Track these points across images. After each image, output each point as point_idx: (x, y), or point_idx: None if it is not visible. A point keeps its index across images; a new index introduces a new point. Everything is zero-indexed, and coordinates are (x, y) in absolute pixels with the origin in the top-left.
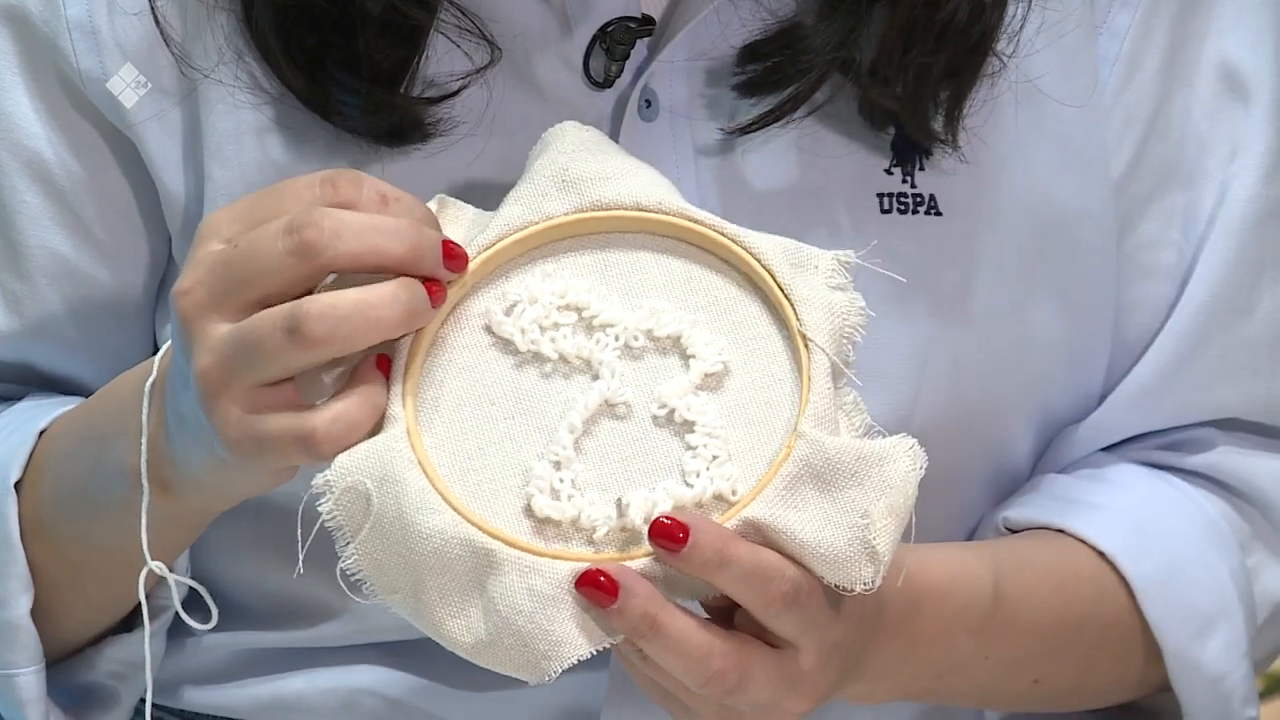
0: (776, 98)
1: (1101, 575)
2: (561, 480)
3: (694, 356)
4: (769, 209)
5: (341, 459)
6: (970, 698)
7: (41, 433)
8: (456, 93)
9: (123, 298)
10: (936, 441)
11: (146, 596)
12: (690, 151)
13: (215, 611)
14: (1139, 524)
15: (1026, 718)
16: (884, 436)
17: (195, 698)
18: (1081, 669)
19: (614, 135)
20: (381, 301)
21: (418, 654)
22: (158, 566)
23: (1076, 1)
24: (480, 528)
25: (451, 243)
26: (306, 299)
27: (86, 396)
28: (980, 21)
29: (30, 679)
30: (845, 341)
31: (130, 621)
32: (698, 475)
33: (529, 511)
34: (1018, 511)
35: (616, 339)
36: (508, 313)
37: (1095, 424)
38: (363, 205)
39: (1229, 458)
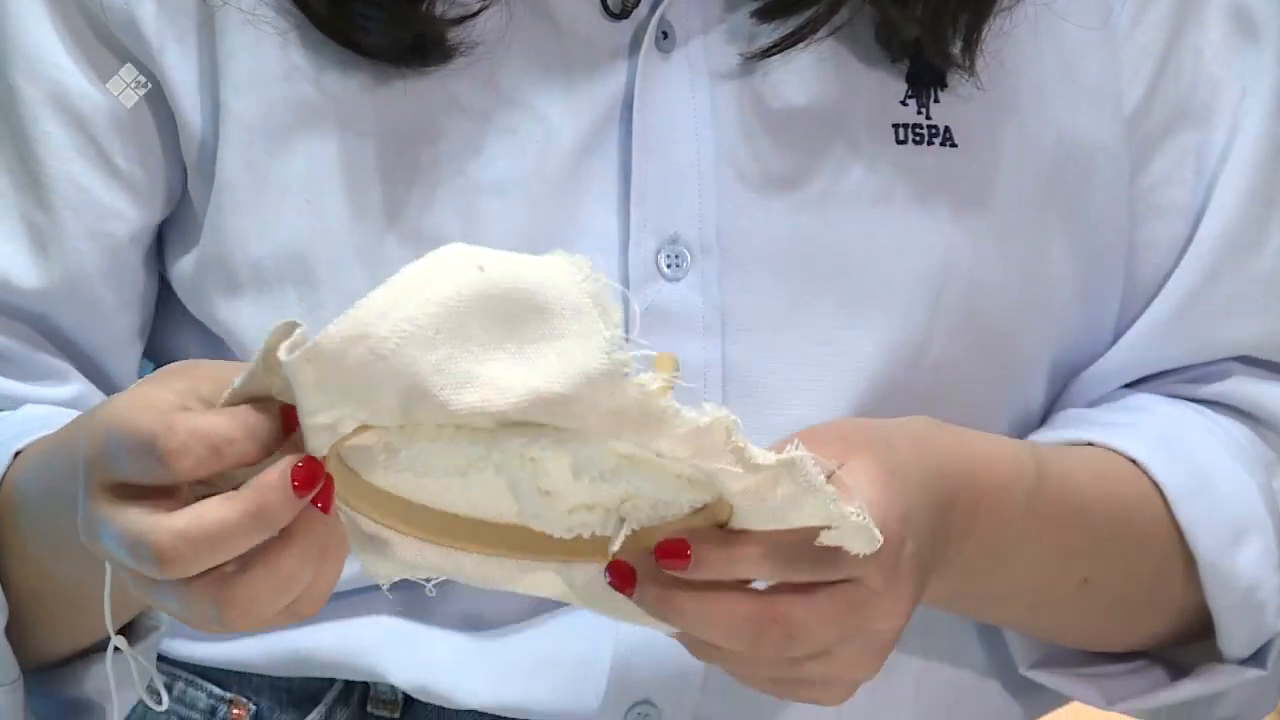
0: (798, 19)
1: (1136, 478)
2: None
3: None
4: (786, 133)
5: None
6: (1021, 605)
7: (17, 453)
8: (477, 13)
9: (145, 233)
10: (954, 370)
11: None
12: (707, 81)
13: (165, 698)
14: (1165, 438)
15: (1055, 665)
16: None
17: (202, 650)
18: (1126, 572)
19: (631, 68)
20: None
21: (423, 602)
22: (120, 641)
23: None
24: None
25: (298, 468)
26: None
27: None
28: None
29: (5, 696)
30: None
31: (123, 633)
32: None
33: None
34: (1042, 435)
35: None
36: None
37: (1110, 362)
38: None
39: (1247, 386)
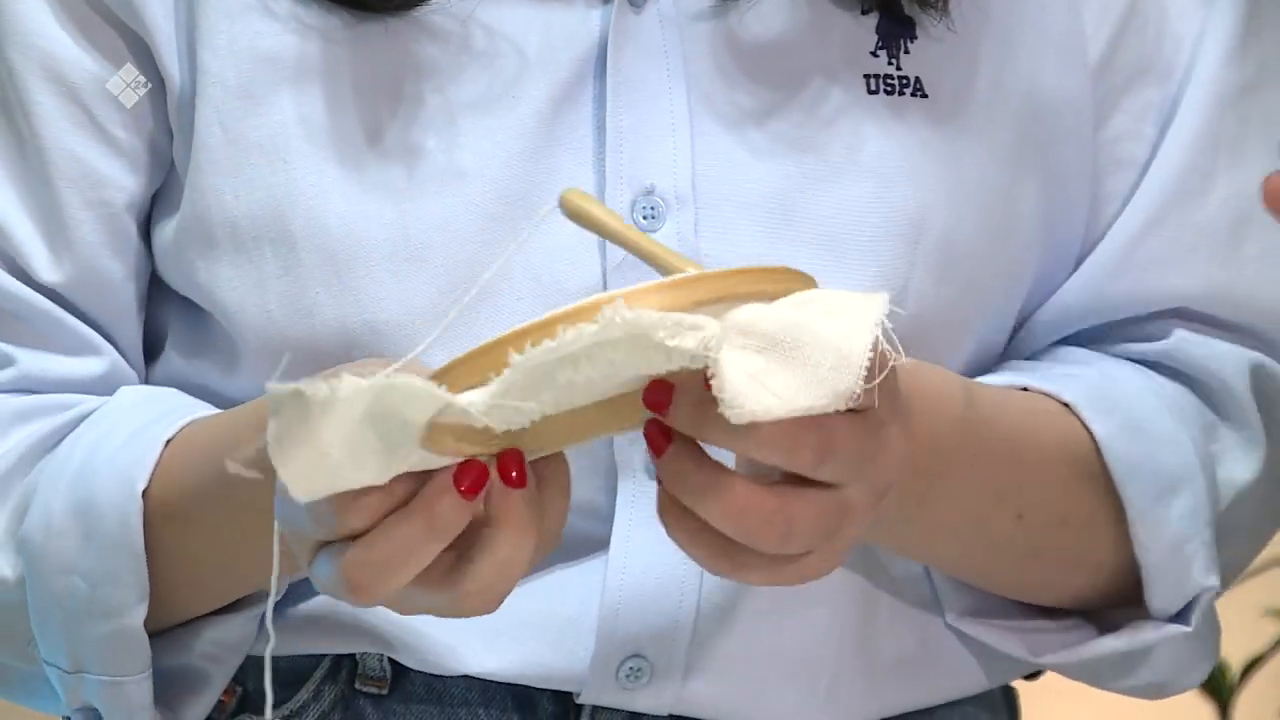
0: None
1: (1068, 421)
2: None
3: None
4: (760, 68)
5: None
6: (956, 541)
7: (168, 441)
8: None
9: (141, 202)
10: (931, 317)
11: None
12: (678, 32)
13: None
14: (1100, 388)
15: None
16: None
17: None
18: (1058, 515)
19: (605, 19)
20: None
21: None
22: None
23: None
24: None
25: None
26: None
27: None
28: None
29: (141, 685)
30: None
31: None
32: None
33: None
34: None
35: None
36: None
37: (1052, 309)
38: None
39: (1186, 345)
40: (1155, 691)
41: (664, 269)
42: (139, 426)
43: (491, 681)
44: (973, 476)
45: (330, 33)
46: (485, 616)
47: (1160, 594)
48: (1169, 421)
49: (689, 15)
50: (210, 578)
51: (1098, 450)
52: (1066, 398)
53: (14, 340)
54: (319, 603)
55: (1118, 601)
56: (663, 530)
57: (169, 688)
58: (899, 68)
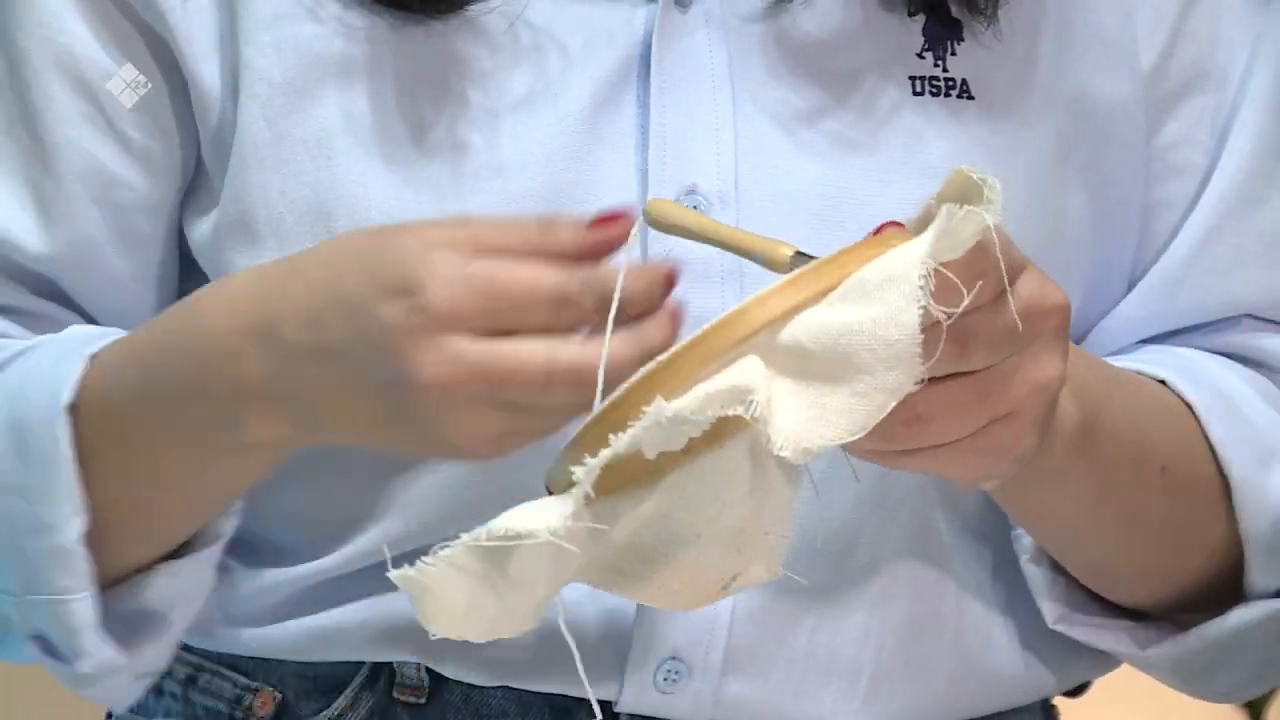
0: None
1: (1166, 393)
2: None
3: None
4: (810, 68)
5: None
6: (1108, 501)
7: (92, 356)
8: None
9: (156, 206)
10: None
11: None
12: (722, 32)
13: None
14: (1188, 368)
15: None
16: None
17: (233, 639)
18: (1192, 465)
19: (649, 19)
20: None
21: None
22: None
23: None
24: None
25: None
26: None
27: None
28: None
29: (84, 604)
30: None
31: (180, 549)
32: None
33: None
34: None
35: None
36: None
37: (1119, 317)
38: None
39: (1256, 339)
40: (1240, 691)
41: (759, 257)
42: (71, 348)
43: (528, 691)
44: (1119, 414)
45: (375, 32)
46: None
47: (1262, 568)
48: (1256, 399)
49: (740, 16)
50: (155, 498)
51: (1196, 421)
52: (1160, 375)
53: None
54: (358, 609)
55: (1212, 600)
56: None
57: (125, 630)
58: (945, 69)
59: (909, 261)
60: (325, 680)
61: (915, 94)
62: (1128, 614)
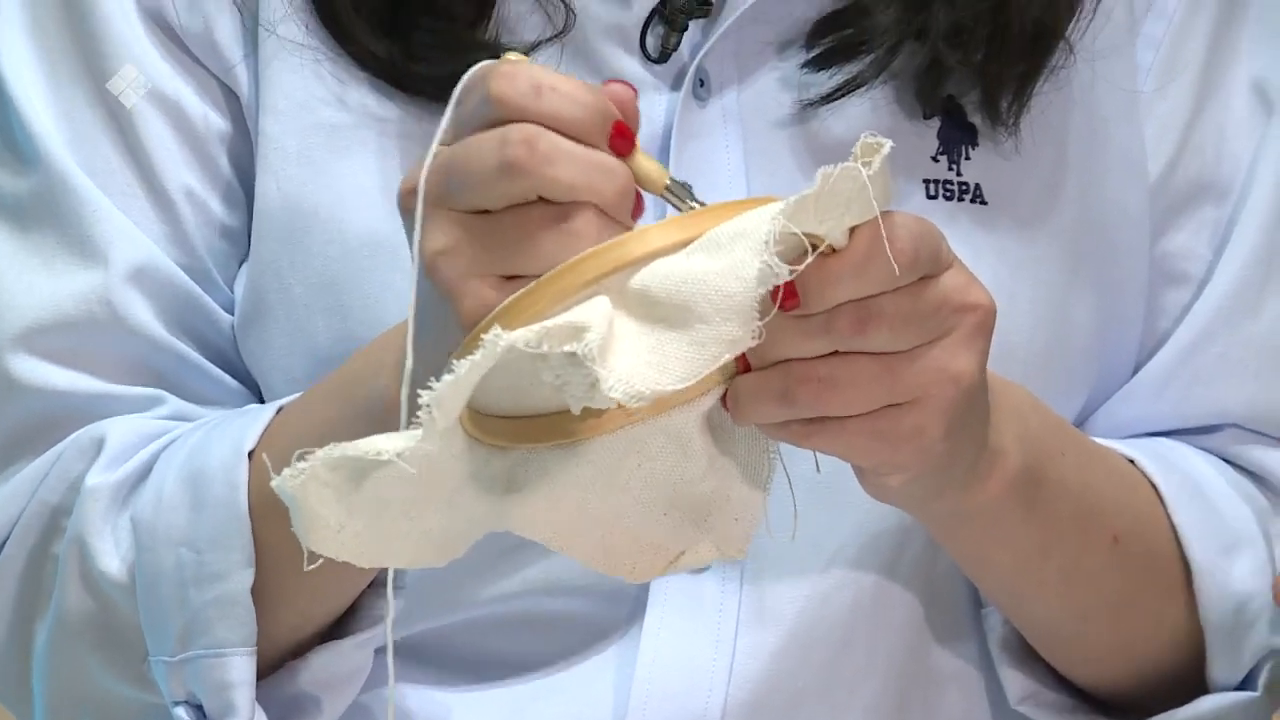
0: (856, 65)
1: (1133, 470)
2: None
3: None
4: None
5: None
6: (1057, 563)
7: (280, 409)
8: (536, 45)
9: (241, 242)
10: None
11: (355, 607)
12: (740, 130)
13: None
14: (1161, 454)
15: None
16: None
17: None
18: (1148, 544)
19: (670, 109)
20: (603, 164)
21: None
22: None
23: (1116, 3)
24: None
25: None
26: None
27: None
28: (1054, 5)
29: (243, 660)
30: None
31: (336, 632)
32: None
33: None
34: None
35: None
36: None
37: (1104, 415)
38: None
39: (1238, 445)
40: None
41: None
42: (262, 408)
43: None
44: (1068, 470)
45: (386, 107)
46: (513, 707)
47: (1222, 658)
48: (1228, 489)
49: (769, 121)
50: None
51: (1163, 506)
52: (1130, 455)
53: (159, 384)
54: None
55: (1177, 690)
56: (692, 622)
57: (280, 712)
58: (959, 173)
59: (763, 218)
60: None
61: (929, 197)
62: (1097, 707)
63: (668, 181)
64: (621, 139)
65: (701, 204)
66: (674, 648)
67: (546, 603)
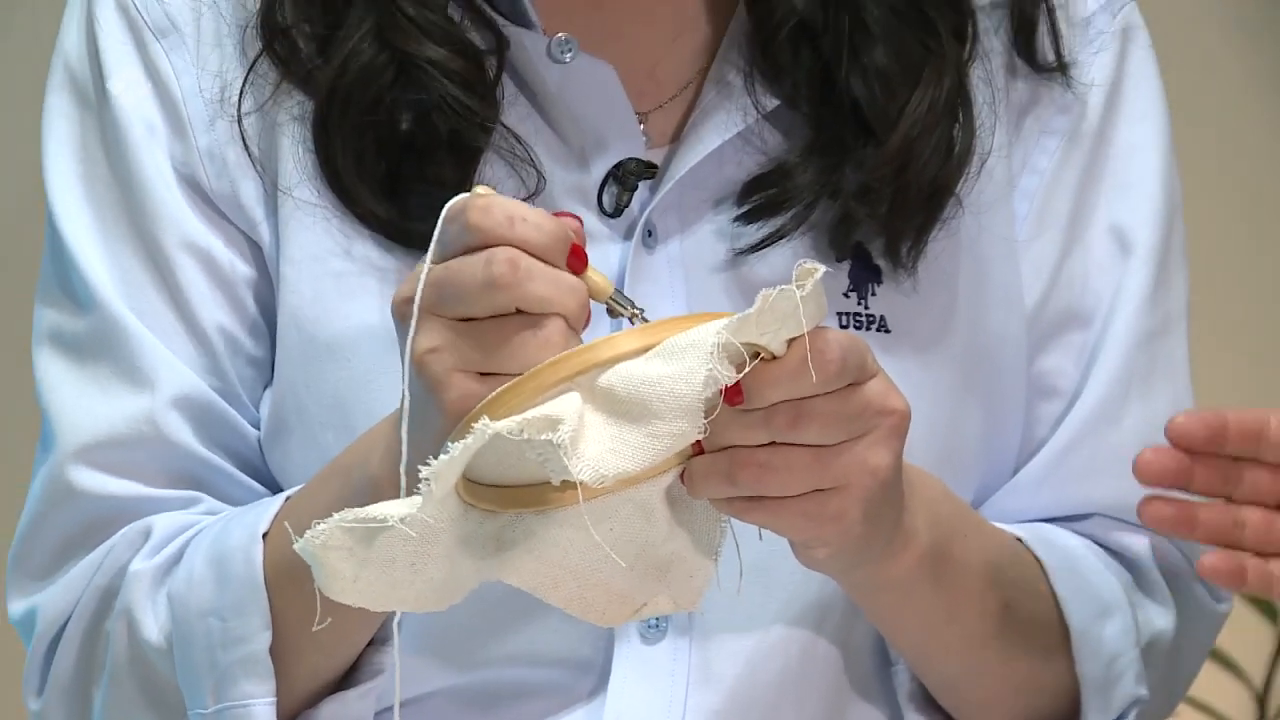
0: (780, 219)
1: (1021, 548)
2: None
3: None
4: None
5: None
6: (954, 625)
7: (288, 497)
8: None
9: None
10: None
11: (358, 664)
12: (683, 273)
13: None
14: (1041, 534)
15: None
16: None
17: None
18: (1033, 611)
19: (623, 259)
20: (569, 283)
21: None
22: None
23: (997, 159)
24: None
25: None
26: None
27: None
28: (946, 167)
29: (266, 708)
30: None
31: (346, 681)
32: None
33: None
34: None
35: None
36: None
37: (990, 507)
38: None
39: (1105, 531)
40: None
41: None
42: (267, 499)
43: None
44: (970, 550)
45: (386, 258)
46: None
47: (1096, 707)
48: (1099, 565)
49: (706, 266)
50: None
51: (1045, 576)
52: (1018, 534)
53: (197, 489)
54: None
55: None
56: (654, 685)
57: None
58: (867, 307)
59: (710, 331)
60: None
61: (841, 327)
62: None
63: (612, 292)
64: (577, 259)
65: (639, 310)
66: (633, 711)
67: (526, 673)
